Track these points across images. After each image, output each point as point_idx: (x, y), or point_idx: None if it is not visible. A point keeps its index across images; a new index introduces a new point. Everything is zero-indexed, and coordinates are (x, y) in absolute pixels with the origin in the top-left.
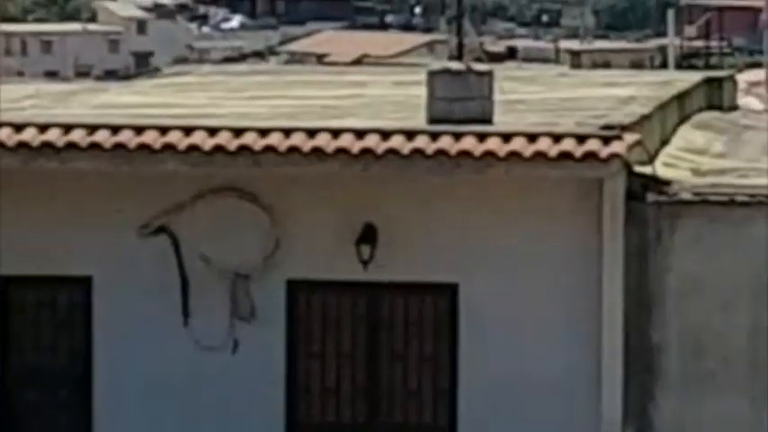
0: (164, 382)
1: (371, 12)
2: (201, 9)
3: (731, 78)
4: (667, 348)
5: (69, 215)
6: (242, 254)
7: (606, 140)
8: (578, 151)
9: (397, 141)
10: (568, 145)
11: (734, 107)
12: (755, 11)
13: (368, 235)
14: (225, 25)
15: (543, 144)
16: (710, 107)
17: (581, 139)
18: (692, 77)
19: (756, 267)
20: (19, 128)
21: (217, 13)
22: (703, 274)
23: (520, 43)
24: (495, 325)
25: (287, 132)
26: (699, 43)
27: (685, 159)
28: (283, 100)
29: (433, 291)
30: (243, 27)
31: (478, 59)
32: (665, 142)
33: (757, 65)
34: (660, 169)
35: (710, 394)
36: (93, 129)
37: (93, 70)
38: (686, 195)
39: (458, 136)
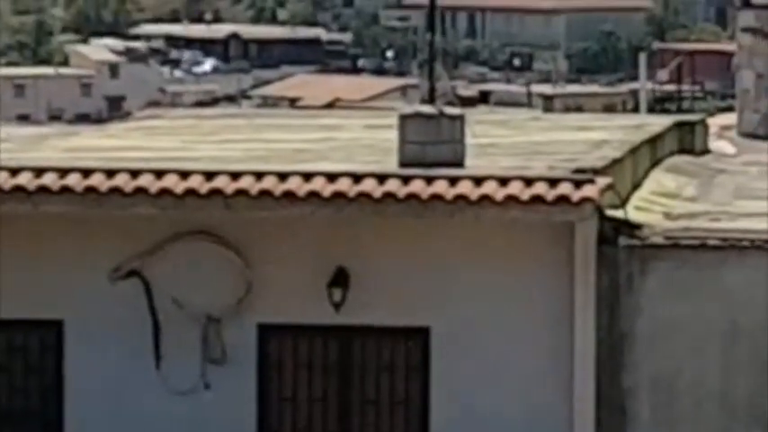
0: (135, 425)
1: (344, 55)
2: (174, 53)
3: (703, 122)
4: (639, 391)
5: (41, 259)
6: (214, 297)
7: (578, 184)
8: (550, 195)
9: (368, 185)
10: (540, 189)
11: (706, 151)
12: (727, 55)
13: (339, 278)
14: (197, 69)
15: (515, 188)
16: (682, 151)
17: (553, 182)
18: (664, 121)
19: (728, 311)
20: None
21: (189, 56)
22: (675, 317)
23: (492, 87)
24: (468, 368)
25: (259, 176)
26: (671, 87)
27: (657, 203)
28: (255, 143)
29: (405, 334)
30: (215, 71)
31: (450, 103)
32: (636, 186)
33: (729, 109)
34: (632, 213)
35: None
36: (64, 172)
37: (66, 114)
38: (658, 239)
39: (429, 179)
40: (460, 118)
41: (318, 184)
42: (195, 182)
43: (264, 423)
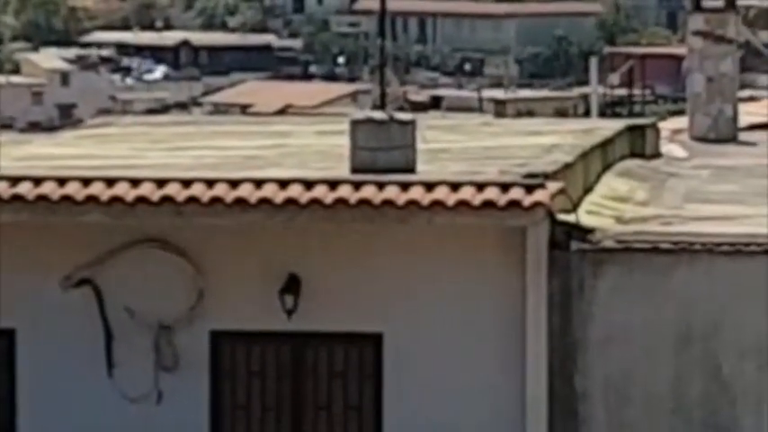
0: None
1: (295, 62)
2: (125, 60)
3: (654, 126)
4: (591, 396)
5: None
6: (165, 305)
7: (529, 189)
8: (501, 200)
9: (320, 191)
10: (491, 193)
11: (657, 155)
12: (678, 58)
13: (291, 285)
14: (148, 76)
15: (466, 193)
16: (633, 155)
17: (504, 187)
18: (616, 125)
19: (680, 314)
20: None
21: (140, 64)
22: (627, 321)
23: (443, 92)
24: (420, 374)
25: (210, 183)
26: (622, 91)
27: (608, 207)
28: (206, 150)
29: (357, 340)
30: (166, 78)
31: (401, 109)
32: (588, 190)
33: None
34: (583, 217)
35: None
36: (15, 181)
37: (17, 122)
38: (609, 243)
39: (381, 185)
40: (412, 123)
41: (270, 190)
42: (146, 189)
43: (217, 430)
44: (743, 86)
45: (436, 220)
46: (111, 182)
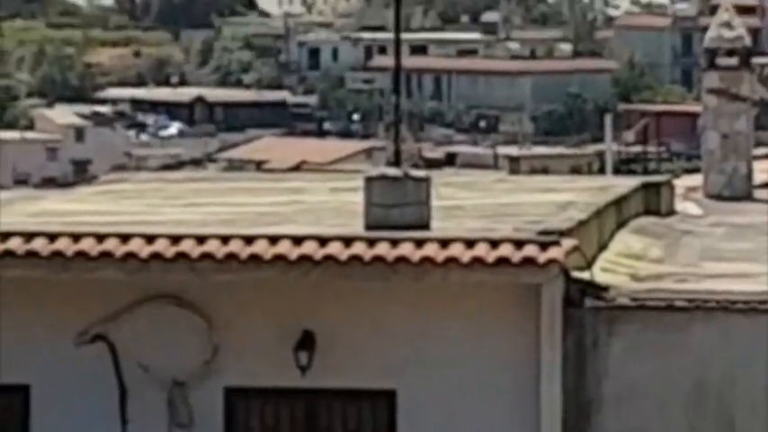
0: None
1: (310, 118)
2: (140, 116)
3: (669, 183)
4: None
5: (6, 323)
6: (180, 361)
7: (544, 246)
8: (516, 257)
9: (334, 248)
10: (506, 250)
11: (672, 212)
12: (693, 116)
13: (306, 341)
14: (163, 132)
15: (481, 250)
16: (648, 212)
17: (519, 244)
18: (630, 183)
19: (694, 372)
20: None
21: (155, 120)
22: (641, 379)
23: (458, 149)
24: (434, 431)
25: (224, 239)
26: (637, 148)
27: (623, 264)
28: (221, 207)
29: (371, 397)
30: (181, 134)
31: (416, 165)
32: (602, 247)
33: (695, 170)
34: (598, 274)
35: None
36: (30, 236)
37: (31, 178)
38: (624, 301)
39: (395, 242)
40: (426, 180)
41: (284, 247)
42: (161, 245)
43: None
44: (758, 144)
45: (451, 277)
46: (125, 238)
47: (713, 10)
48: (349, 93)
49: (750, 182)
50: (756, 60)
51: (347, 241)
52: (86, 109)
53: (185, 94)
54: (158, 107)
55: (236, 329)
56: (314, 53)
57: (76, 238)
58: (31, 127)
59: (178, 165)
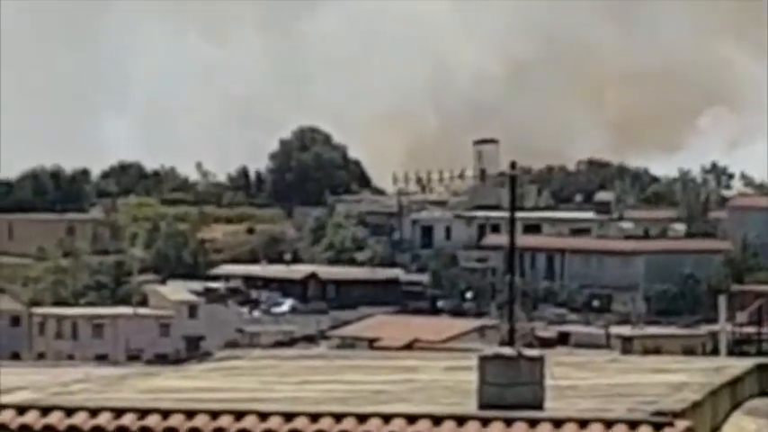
0: None
1: (422, 296)
2: (253, 293)
3: None
4: None
5: None
6: None
7: (658, 427)
8: None
9: (448, 427)
10: (620, 431)
11: None
12: None
13: None
14: (276, 309)
15: (595, 430)
16: (763, 394)
17: (633, 425)
18: (744, 364)
19: None
20: (69, 412)
21: (268, 297)
22: None
23: (571, 328)
24: None
25: (338, 417)
26: (751, 329)
27: None
28: (334, 384)
29: None
30: (294, 311)
31: (530, 345)
32: (716, 429)
33: None
34: None
35: None
36: (143, 413)
37: (144, 354)
38: None
39: (509, 422)
40: (540, 360)
41: (398, 425)
42: (274, 423)
43: None
44: None
45: None
46: (239, 415)
47: None
48: (462, 271)
49: None
50: None
51: (461, 420)
52: (199, 285)
53: (298, 271)
54: (271, 284)
55: None
56: (427, 231)
57: (190, 414)
58: (144, 303)
59: (290, 342)
